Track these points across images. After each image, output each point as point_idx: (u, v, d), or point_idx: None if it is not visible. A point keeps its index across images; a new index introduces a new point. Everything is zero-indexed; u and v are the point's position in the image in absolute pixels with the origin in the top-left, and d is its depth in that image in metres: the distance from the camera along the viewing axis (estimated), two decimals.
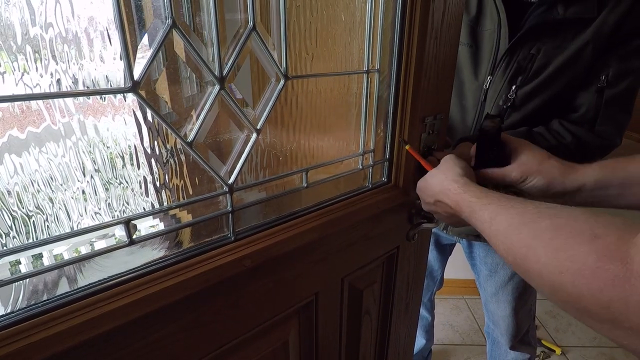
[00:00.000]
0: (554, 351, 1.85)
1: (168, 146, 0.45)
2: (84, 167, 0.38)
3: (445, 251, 1.33)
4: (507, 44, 0.88)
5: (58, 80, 0.34)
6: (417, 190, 0.64)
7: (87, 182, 0.39)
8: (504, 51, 0.88)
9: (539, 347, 1.86)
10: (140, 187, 0.43)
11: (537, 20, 0.84)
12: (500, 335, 1.24)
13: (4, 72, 0.31)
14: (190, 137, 0.43)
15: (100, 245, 0.41)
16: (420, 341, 1.54)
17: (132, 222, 0.41)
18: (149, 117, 0.41)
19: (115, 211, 0.42)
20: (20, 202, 0.35)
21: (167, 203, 0.47)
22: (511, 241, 0.40)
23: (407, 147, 0.66)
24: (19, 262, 0.37)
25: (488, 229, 0.45)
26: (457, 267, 1.86)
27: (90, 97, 0.37)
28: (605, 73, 0.82)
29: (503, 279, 1.13)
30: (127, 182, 0.42)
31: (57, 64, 0.33)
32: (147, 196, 0.44)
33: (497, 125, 0.61)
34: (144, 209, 0.44)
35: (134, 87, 0.37)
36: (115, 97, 0.38)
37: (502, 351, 1.26)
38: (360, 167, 0.66)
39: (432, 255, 1.30)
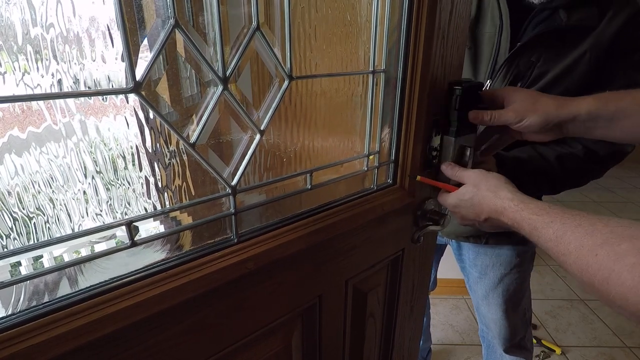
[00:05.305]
0: (554, 351, 1.84)
1: (170, 147, 0.44)
2: (85, 168, 0.38)
3: (438, 252, 1.33)
4: (507, 48, 0.87)
5: (59, 81, 0.34)
6: (454, 208, 0.64)
7: (89, 183, 0.39)
8: (505, 57, 0.87)
9: (539, 347, 1.85)
10: (142, 188, 0.43)
11: (542, 28, 0.84)
12: (493, 339, 1.22)
13: (5, 72, 0.31)
14: (193, 138, 0.43)
15: (101, 247, 0.40)
16: None
17: (133, 223, 0.40)
18: (151, 118, 0.41)
19: (117, 213, 0.41)
20: (21, 203, 0.35)
21: (169, 205, 0.47)
22: (586, 263, 0.40)
23: (418, 178, 0.66)
24: (19, 264, 0.36)
25: (554, 247, 0.45)
26: (456, 267, 1.86)
27: (92, 97, 0.37)
28: (610, 88, 0.83)
29: (493, 282, 1.12)
30: (128, 183, 0.41)
31: (58, 64, 0.33)
32: (149, 197, 0.44)
33: (475, 84, 0.62)
34: (146, 210, 0.44)
35: (135, 87, 0.36)
36: (116, 97, 0.38)
37: (498, 355, 1.24)
38: (366, 168, 0.65)
39: None
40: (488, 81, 0.90)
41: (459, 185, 0.63)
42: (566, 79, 0.85)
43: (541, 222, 0.47)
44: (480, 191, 0.58)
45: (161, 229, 0.45)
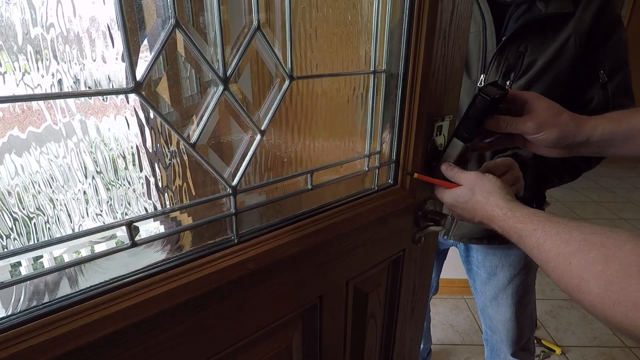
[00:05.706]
0: (554, 351, 1.84)
1: (171, 147, 0.44)
2: (85, 168, 0.38)
3: (441, 257, 1.33)
4: (494, 44, 0.91)
5: (59, 81, 0.33)
6: (450, 206, 0.64)
7: (89, 183, 0.38)
8: (493, 53, 0.90)
9: (539, 347, 1.85)
10: (143, 189, 0.43)
11: (523, 20, 0.88)
12: (500, 342, 1.21)
13: (5, 72, 0.31)
14: (193, 138, 0.43)
15: (101, 247, 0.40)
16: None
17: (134, 224, 0.40)
18: (152, 118, 0.41)
19: (117, 213, 0.41)
20: (21, 203, 0.35)
21: (170, 205, 0.47)
22: (562, 271, 0.40)
23: (415, 175, 0.66)
24: (19, 264, 0.36)
25: (538, 255, 0.46)
26: (457, 267, 1.86)
27: (92, 97, 0.36)
28: (602, 69, 0.89)
29: (503, 282, 1.11)
30: (129, 184, 0.41)
31: (58, 64, 0.33)
32: (150, 198, 0.44)
33: (501, 94, 0.60)
34: (146, 210, 0.44)
35: (136, 87, 0.36)
36: (117, 97, 0.38)
37: (502, 359, 1.24)
38: (367, 168, 0.65)
39: None
40: (482, 75, 0.93)
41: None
42: (556, 64, 0.89)
43: (526, 230, 0.48)
44: (475, 196, 0.58)
45: (161, 229, 0.45)
